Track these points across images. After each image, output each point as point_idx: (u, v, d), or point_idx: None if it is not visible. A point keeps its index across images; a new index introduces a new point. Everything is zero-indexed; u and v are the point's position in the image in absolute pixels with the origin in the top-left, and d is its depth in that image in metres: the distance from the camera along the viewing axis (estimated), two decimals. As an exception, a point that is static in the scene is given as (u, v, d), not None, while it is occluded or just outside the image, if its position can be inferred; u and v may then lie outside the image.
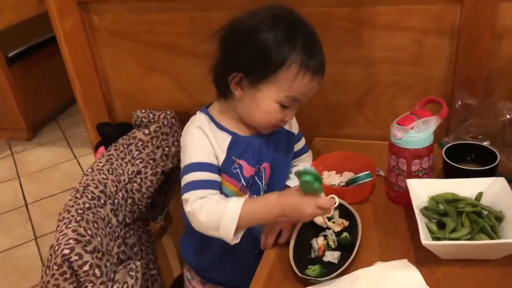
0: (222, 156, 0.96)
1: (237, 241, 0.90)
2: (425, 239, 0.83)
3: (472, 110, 1.14)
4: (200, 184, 0.92)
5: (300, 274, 0.85)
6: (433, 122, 0.98)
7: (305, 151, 1.15)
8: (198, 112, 1.02)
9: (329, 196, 0.88)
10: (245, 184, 0.98)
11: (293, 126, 1.11)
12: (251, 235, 1.01)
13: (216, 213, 0.88)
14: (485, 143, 1.09)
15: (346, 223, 0.98)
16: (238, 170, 0.97)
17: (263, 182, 1.02)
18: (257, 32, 0.88)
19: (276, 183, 1.05)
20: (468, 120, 1.15)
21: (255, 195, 1.01)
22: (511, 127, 1.07)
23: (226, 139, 0.97)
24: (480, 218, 0.89)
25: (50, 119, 3.68)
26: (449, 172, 1.03)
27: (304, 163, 1.14)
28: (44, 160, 3.15)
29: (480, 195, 0.94)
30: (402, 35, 1.15)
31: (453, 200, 0.94)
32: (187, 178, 0.93)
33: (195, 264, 1.15)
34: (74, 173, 2.95)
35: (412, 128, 0.96)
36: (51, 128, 3.60)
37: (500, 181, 0.94)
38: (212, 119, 0.99)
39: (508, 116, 1.07)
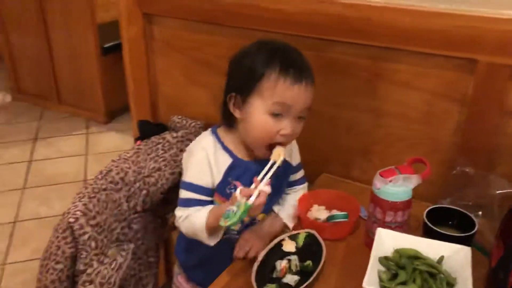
0: (218, 178, 1.09)
1: (218, 239, 1.04)
2: (367, 283, 0.89)
3: (470, 178, 1.16)
4: (189, 202, 1.09)
5: None
6: (413, 180, 1.03)
7: (300, 183, 1.23)
8: (208, 132, 1.14)
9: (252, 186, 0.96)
10: None
11: (294, 157, 1.19)
12: (230, 244, 1.11)
13: (191, 226, 1.06)
14: (479, 213, 1.12)
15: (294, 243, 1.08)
16: (232, 190, 1.08)
17: None
18: (246, 55, 1.04)
19: (264, 209, 1.14)
20: (466, 187, 1.18)
21: None
22: (499, 202, 1.08)
23: (227, 161, 1.09)
24: (432, 279, 0.93)
25: (127, 110, 4.00)
26: (427, 233, 1.07)
27: (297, 193, 1.22)
28: (111, 144, 3.44)
29: (441, 258, 0.97)
30: (415, 94, 1.21)
31: (414, 257, 0.98)
32: (181, 194, 1.11)
33: (183, 261, 1.28)
34: (133, 161, 3.19)
35: (390, 181, 1.02)
36: (126, 118, 3.91)
37: (465, 251, 0.96)
38: (219, 139, 1.11)
39: (497, 192, 1.08)
